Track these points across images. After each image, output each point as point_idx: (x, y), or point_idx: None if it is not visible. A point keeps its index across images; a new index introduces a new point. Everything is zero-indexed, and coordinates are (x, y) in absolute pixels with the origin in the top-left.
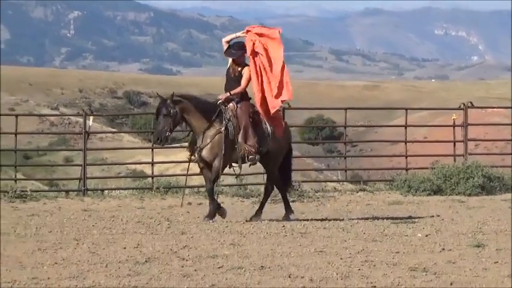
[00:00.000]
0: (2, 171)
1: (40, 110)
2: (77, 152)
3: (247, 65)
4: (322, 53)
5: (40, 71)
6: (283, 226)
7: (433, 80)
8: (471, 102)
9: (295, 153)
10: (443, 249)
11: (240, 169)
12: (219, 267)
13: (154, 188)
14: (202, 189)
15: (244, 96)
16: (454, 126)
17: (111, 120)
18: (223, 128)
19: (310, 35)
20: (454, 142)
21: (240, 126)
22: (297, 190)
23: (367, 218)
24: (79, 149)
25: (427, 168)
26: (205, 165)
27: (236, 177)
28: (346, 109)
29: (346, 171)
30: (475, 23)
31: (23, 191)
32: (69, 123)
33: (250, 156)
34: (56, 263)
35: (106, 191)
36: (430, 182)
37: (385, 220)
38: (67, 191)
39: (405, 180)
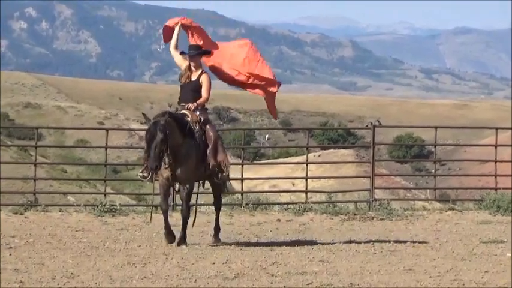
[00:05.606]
0: (91, 184)
1: (129, 124)
2: None
3: (204, 71)
4: (412, 71)
5: (130, 86)
6: (373, 244)
7: None
8: None
9: (382, 171)
10: None
11: (203, 187)
12: (308, 284)
13: (243, 204)
14: (292, 206)
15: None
16: None
17: None
18: (193, 142)
19: (401, 53)
20: None
21: (209, 141)
22: (386, 208)
23: (456, 237)
24: None
25: None
26: (169, 184)
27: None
28: (436, 127)
29: (435, 189)
30: None
31: (112, 205)
32: None
33: (221, 175)
34: (145, 277)
35: (195, 206)
36: None
37: (474, 239)
38: (156, 206)
39: (494, 200)
